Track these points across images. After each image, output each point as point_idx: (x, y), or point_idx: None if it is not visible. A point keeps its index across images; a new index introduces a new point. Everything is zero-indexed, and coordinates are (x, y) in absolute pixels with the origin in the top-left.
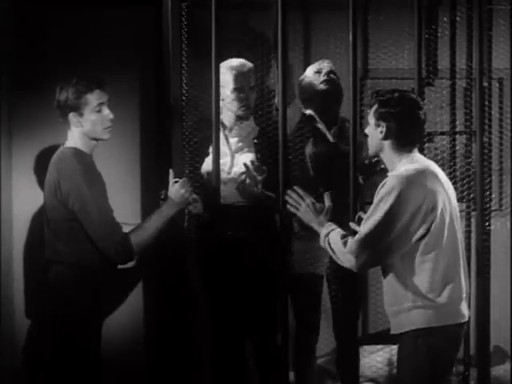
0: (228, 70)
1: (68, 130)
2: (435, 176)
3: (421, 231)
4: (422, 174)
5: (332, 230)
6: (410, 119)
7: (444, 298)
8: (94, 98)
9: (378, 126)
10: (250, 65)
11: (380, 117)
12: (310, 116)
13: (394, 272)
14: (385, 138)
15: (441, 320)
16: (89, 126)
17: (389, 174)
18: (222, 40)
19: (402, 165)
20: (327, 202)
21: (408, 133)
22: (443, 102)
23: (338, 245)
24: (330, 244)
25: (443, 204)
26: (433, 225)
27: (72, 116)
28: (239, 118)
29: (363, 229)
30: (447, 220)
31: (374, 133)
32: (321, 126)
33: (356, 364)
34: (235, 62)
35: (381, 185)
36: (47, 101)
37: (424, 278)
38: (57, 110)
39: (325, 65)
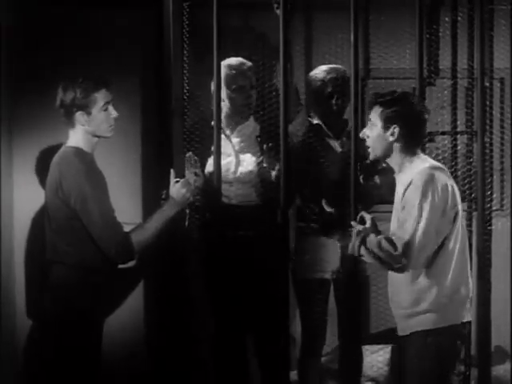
0: (227, 69)
1: (70, 129)
2: (449, 174)
3: (449, 227)
4: (440, 171)
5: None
6: (416, 118)
7: (456, 297)
8: (101, 97)
9: (387, 128)
10: (248, 64)
11: (388, 119)
12: (318, 125)
13: (413, 273)
14: (397, 140)
15: (450, 319)
16: (96, 125)
17: (397, 175)
18: (224, 40)
19: (416, 165)
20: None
21: (416, 132)
22: (444, 102)
23: (386, 247)
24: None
25: (458, 201)
26: (456, 221)
27: (79, 115)
28: (240, 118)
29: (408, 231)
30: (460, 217)
31: (383, 136)
32: (329, 136)
33: (359, 364)
34: (234, 61)
35: (404, 186)
36: (48, 100)
37: (443, 278)
38: (60, 109)
39: (337, 68)
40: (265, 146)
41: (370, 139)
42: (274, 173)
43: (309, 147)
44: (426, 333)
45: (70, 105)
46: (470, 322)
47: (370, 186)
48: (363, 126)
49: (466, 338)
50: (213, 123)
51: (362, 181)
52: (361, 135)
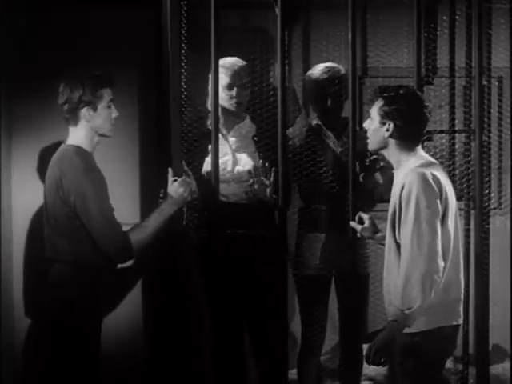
0: (221, 68)
1: (72, 127)
2: (442, 172)
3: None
4: (434, 168)
5: None
6: (416, 117)
7: (447, 299)
8: (107, 94)
9: (384, 123)
10: (243, 63)
11: (386, 115)
12: (318, 125)
13: None
14: (391, 136)
15: (440, 321)
16: (100, 122)
17: (396, 171)
18: (222, 39)
19: (412, 162)
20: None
21: (414, 131)
22: (442, 101)
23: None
24: None
25: (451, 200)
26: (447, 221)
27: (85, 111)
28: (236, 117)
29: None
30: (454, 216)
31: (379, 130)
32: (328, 136)
33: (359, 362)
34: (228, 60)
35: (400, 186)
36: (47, 99)
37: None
38: (63, 106)
39: (333, 67)
40: (252, 168)
41: (369, 132)
42: (266, 194)
43: (308, 148)
44: (414, 334)
45: (77, 101)
46: (460, 326)
47: (371, 184)
48: (361, 124)
49: (456, 341)
50: (209, 122)
51: (361, 179)
52: (363, 125)
